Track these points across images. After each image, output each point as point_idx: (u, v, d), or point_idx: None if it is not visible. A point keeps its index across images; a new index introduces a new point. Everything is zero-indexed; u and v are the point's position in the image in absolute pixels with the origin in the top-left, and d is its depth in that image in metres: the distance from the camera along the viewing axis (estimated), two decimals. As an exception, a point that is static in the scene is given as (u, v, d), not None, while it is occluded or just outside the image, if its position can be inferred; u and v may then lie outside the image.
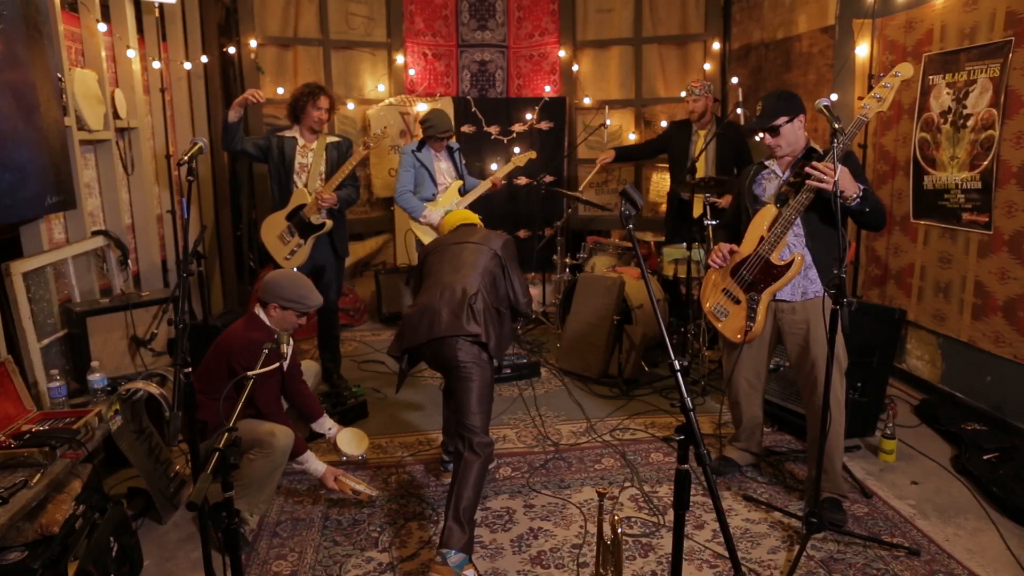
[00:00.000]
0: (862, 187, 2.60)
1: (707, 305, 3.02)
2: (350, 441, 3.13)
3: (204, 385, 2.82)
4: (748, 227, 2.88)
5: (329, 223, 3.90)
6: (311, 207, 3.82)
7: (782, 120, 2.77)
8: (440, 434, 3.63)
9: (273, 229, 3.90)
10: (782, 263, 2.76)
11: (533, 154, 4.89)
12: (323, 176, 3.92)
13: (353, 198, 3.99)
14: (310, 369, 3.37)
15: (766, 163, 2.94)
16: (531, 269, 5.93)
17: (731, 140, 4.66)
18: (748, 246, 2.86)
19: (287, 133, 3.89)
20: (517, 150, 5.80)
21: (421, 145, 4.50)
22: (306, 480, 3.16)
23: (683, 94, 4.75)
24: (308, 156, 3.91)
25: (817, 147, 2.83)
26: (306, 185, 3.89)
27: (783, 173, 2.87)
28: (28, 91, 2.93)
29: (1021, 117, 3.25)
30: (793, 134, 2.80)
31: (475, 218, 3.33)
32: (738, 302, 2.88)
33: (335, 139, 3.99)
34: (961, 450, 3.25)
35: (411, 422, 3.82)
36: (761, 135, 2.84)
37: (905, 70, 2.64)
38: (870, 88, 4.16)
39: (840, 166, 2.52)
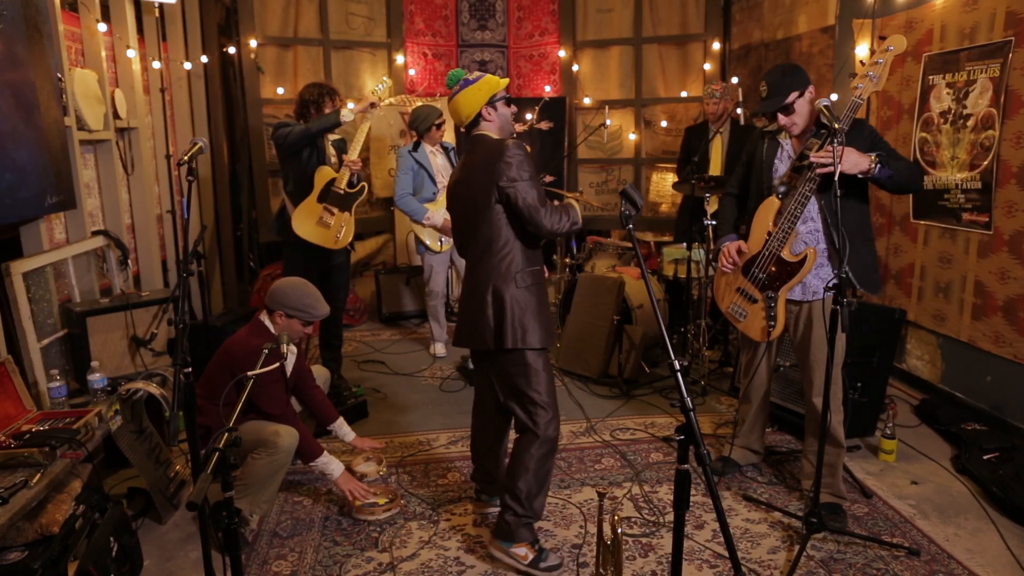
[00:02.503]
0: (875, 155, 2.51)
1: (724, 306, 2.98)
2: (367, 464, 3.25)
3: (207, 391, 2.82)
4: (752, 220, 2.81)
5: (365, 186, 3.94)
6: (342, 177, 3.82)
7: (794, 96, 2.64)
8: (440, 434, 3.64)
9: (309, 218, 3.78)
10: (795, 258, 2.70)
11: (527, 148, 4.86)
12: (335, 165, 3.93)
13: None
14: (320, 375, 3.37)
15: (779, 139, 2.81)
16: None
17: (743, 141, 4.65)
18: (755, 243, 2.79)
19: None
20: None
21: (417, 145, 4.52)
22: (306, 480, 3.16)
23: (707, 94, 4.75)
24: (326, 145, 3.95)
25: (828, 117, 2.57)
26: (323, 160, 3.88)
27: (795, 156, 2.75)
28: (28, 91, 2.93)
29: (1021, 117, 3.25)
30: (806, 108, 2.69)
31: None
32: (755, 301, 2.84)
33: (336, 137, 4.02)
34: (961, 450, 3.25)
35: (411, 422, 3.82)
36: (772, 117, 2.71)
37: (897, 43, 2.48)
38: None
39: (845, 148, 2.43)
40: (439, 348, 4.89)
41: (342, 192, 3.83)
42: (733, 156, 4.64)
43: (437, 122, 4.47)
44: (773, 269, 2.74)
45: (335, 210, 3.82)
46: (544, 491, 2.55)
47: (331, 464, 2.88)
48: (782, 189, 2.72)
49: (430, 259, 4.67)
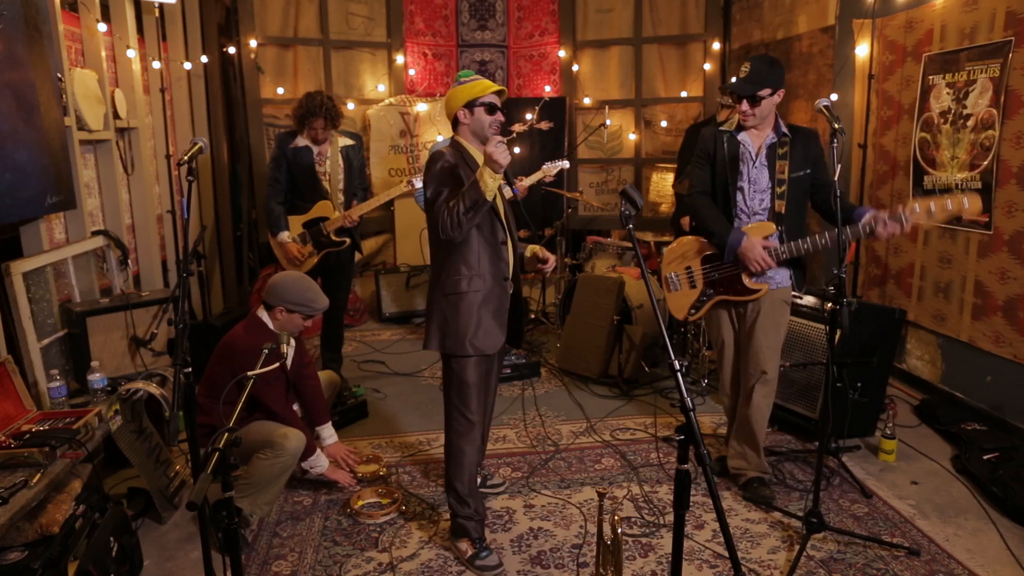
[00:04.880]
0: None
1: (665, 270, 3.01)
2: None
3: (208, 390, 2.82)
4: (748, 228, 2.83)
5: (347, 241, 3.92)
6: (334, 223, 3.83)
7: (766, 92, 2.66)
8: (440, 434, 3.64)
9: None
10: (753, 286, 2.80)
11: (566, 164, 4.70)
12: (343, 184, 3.92)
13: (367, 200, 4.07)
14: (331, 381, 3.37)
15: (737, 137, 2.79)
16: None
17: None
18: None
19: (300, 142, 3.87)
20: (517, 150, 5.79)
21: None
22: (307, 480, 3.16)
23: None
24: (325, 164, 3.90)
25: (785, 128, 2.75)
26: (328, 196, 3.89)
27: (756, 156, 2.77)
28: (28, 91, 2.93)
29: (1021, 117, 3.25)
30: (769, 108, 2.71)
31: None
32: (694, 287, 2.92)
33: (348, 141, 3.98)
34: (961, 450, 3.25)
35: (411, 422, 3.82)
36: (737, 100, 2.72)
37: None
38: (870, 89, 4.17)
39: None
40: None
41: (324, 234, 3.85)
42: None
43: None
44: (729, 280, 2.82)
45: (309, 242, 3.85)
46: (468, 483, 2.61)
47: (319, 460, 2.95)
48: (777, 216, 2.77)
49: None
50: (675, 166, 5.64)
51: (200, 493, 1.57)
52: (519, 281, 2.70)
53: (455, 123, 2.55)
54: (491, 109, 2.50)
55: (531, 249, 2.74)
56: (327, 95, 3.82)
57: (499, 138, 2.29)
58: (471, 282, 2.49)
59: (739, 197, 2.82)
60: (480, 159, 2.47)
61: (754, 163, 2.78)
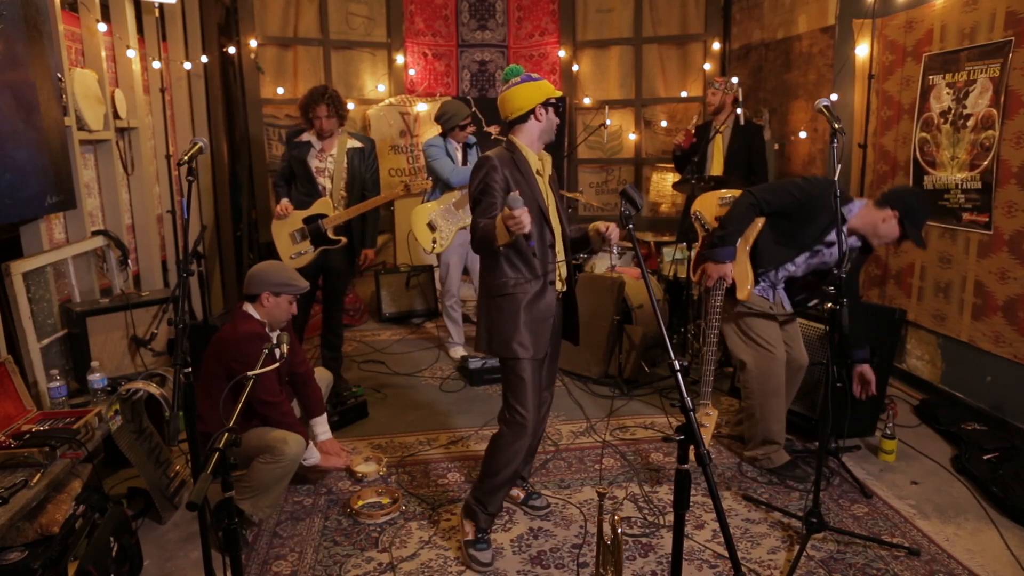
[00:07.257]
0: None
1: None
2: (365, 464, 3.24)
3: (203, 392, 2.81)
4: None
5: (343, 240, 3.90)
6: (331, 221, 3.83)
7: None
8: (440, 434, 3.64)
9: (286, 226, 3.86)
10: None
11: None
12: (345, 185, 3.90)
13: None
14: (324, 378, 3.36)
15: (850, 238, 2.85)
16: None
17: (745, 140, 4.59)
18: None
19: (304, 137, 3.87)
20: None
21: (443, 139, 4.43)
22: (307, 480, 3.16)
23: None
24: (326, 161, 3.86)
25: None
26: (324, 194, 3.89)
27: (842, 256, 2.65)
28: (28, 91, 2.93)
29: (1021, 117, 3.25)
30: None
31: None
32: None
33: (357, 144, 3.93)
34: (961, 450, 3.25)
35: (411, 422, 3.82)
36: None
37: None
38: (870, 89, 4.17)
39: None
40: (456, 351, 4.76)
41: (323, 231, 3.84)
42: (734, 154, 4.61)
43: (462, 123, 4.33)
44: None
45: (307, 237, 3.86)
46: (490, 477, 2.57)
47: (311, 452, 2.96)
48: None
49: (446, 257, 4.56)
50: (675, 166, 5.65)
51: (200, 493, 1.57)
52: (573, 282, 2.62)
53: (520, 120, 2.49)
54: (557, 110, 2.53)
55: (592, 227, 2.56)
56: (332, 88, 3.84)
57: (524, 209, 2.18)
58: (516, 284, 2.46)
59: (797, 261, 2.98)
60: (533, 161, 2.50)
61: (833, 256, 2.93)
